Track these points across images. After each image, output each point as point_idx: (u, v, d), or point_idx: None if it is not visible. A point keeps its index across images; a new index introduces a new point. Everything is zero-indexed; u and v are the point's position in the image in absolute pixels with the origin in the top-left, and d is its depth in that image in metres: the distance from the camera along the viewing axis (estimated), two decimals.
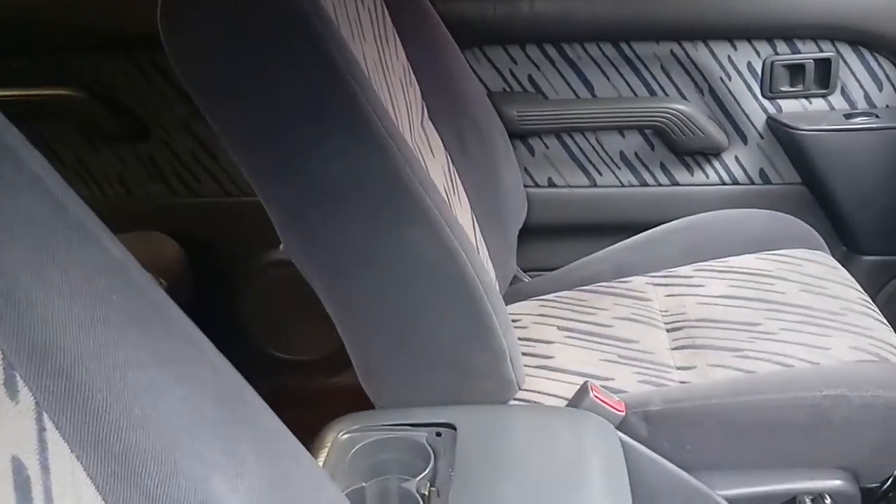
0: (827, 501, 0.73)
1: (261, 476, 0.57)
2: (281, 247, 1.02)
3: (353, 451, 0.89)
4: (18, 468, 0.44)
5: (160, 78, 1.63)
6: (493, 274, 1.28)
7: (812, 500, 0.72)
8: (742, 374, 1.08)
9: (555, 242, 1.65)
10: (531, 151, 1.63)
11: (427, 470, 0.86)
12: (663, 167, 1.62)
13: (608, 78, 1.57)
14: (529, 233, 1.60)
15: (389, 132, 0.91)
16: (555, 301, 1.40)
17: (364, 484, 0.85)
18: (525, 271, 1.58)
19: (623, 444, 0.96)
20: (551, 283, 1.46)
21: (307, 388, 1.82)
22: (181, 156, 1.71)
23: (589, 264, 1.48)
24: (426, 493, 0.84)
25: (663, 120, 1.56)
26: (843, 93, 1.54)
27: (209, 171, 1.71)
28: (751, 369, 1.09)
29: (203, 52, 0.89)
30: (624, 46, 1.55)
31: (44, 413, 0.46)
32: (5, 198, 0.48)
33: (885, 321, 1.21)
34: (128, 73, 1.65)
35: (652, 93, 1.58)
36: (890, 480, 1.11)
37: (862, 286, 1.48)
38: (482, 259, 1.10)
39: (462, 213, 1.34)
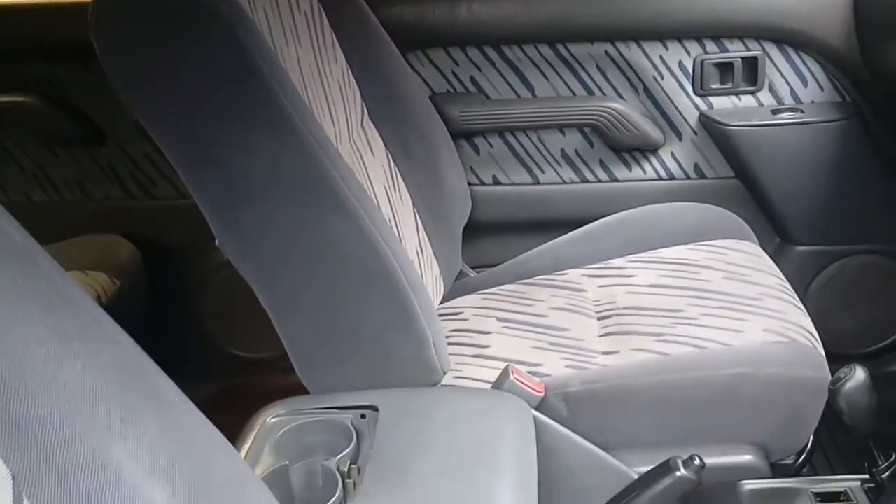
0: (696, 462, 0.77)
1: (161, 445, 0.62)
2: (216, 241, 1.07)
3: (280, 433, 0.94)
4: None
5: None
6: (430, 267, 1.33)
7: (683, 463, 0.77)
8: (658, 356, 1.14)
9: (500, 238, 1.71)
10: (476, 150, 1.69)
11: (348, 449, 0.91)
12: (602, 164, 1.67)
13: (547, 78, 1.63)
14: (476, 229, 1.65)
15: (310, 129, 0.96)
16: (496, 294, 1.45)
17: (287, 463, 0.90)
18: (472, 267, 1.63)
19: (540, 423, 1.01)
20: (495, 278, 1.51)
21: (266, 386, 1.86)
22: (137, 160, 1.76)
23: (530, 258, 1.53)
24: (346, 470, 0.89)
25: (601, 118, 1.62)
26: (771, 89, 1.60)
27: (164, 174, 1.75)
28: (667, 352, 1.14)
29: (129, 55, 0.94)
30: (560, 48, 1.60)
31: None
32: None
33: (800, 306, 1.27)
34: (84, 80, 1.69)
35: (589, 92, 1.63)
36: (802, 456, 1.17)
37: (796, 276, 1.54)
38: (406, 251, 1.15)
39: (404, 210, 1.39)
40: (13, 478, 0.55)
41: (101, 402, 0.59)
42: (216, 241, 1.07)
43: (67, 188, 1.78)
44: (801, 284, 1.63)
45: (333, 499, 0.84)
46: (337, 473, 0.88)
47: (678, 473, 0.77)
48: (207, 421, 0.68)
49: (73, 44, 1.70)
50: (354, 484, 0.88)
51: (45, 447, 0.56)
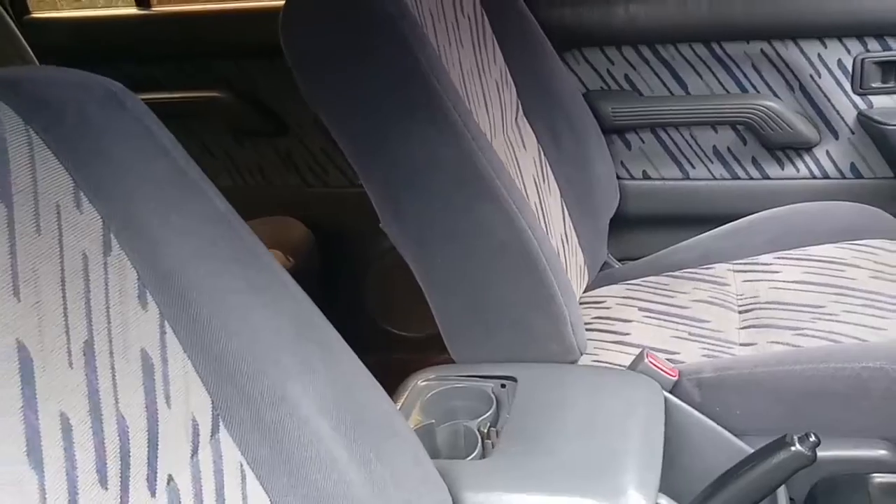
0: (811, 438, 0.81)
1: (328, 386, 0.73)
2: (381, 223, 1.19)
3: (428, 395, 1.05)
4: (145, 357, 0.63)
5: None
6: (574, 256, 1.41)
7: (799, 439, 0.80)
8: (792, 348, 1.16)
9: (648, 232, 1.75)
10: (627, 146, 1.74)
11: (488, 413, 1.01)
12: (754, 161, 1.69)
13: (701, 76, 1.66)
14: (624, 222, 1.71)
15: (466, 124, 1.06)
16: (640, 285, 1.51)
17: (433, 421, 1.00)
18: (618, 259, 1.69)
19: (672, 404, 1.07)
20: (639, 269, 1.57)
21: (415, 362, 2.00)
22: (313, 150, 1.93)
23: (677, 251, 1.57)
24: (486, 431, 0.99)
25: (754, 116, 1.64)
26: None
27: (337, 165, 1.91)
28: (803, 345, 1.17)
29: (314, 57, 1.07)
30: (715, 46, 1.63)
31: (165, 321, 0.65)
32: (141, 164, 0.66)
33: None
34: (269, 78, 1.88)
35: (743, 90, 1.65)
36: None
37: None
38: (549, 237, 1.23)
39: (552, 200, 1.47)
40: (212, 403, 0.68)
41: (282, 345, 0.72)
42: (380, 224, 1.20)
43: (251, 175, 1.98)
44: None
45: (474, 454, 0.94)
46: (477, 433, 0.98)
47: (793, 448, 0.81)
48: (367, 371, 0.80)
49: (261, 45, 1.89)
50: (493, 444, 0.97)
51: (238, 380, 0.69)
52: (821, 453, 1.06)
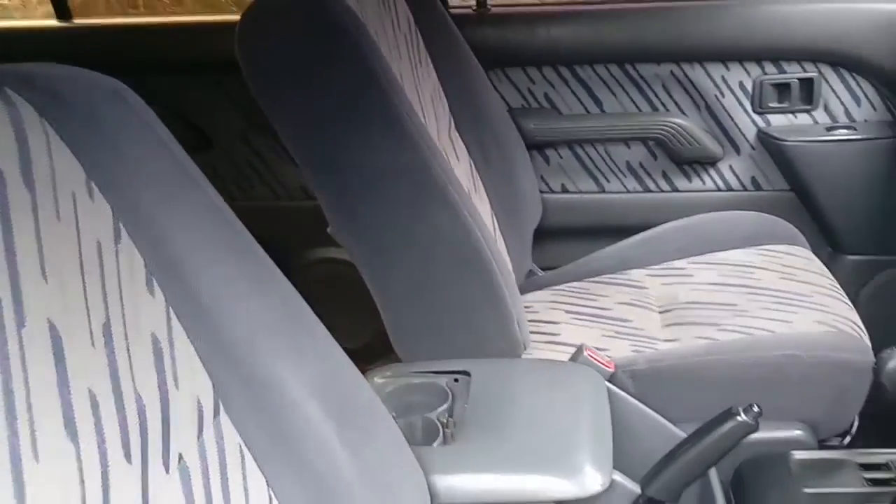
0: (755, 409, 0.90)
1: (317, 369, 0.77)
2: (329, 228, 1.23)
3: (386, 391, 1.09)
4: (155, 341, 0.65)
5: (223, 97, 1.87)
6: (508, 261, 1.48)
7: (743, 410, 0.89)
8: (714, 341, 1.27)
9: (567, 242, 1.85)
10: (546, 161, 1.84)
11: (446, 405, 1.06)
12: (664, 175, 1.81)
13: (615, 95, 1.78)
14: (544, 234, 1.79)
15: (420, 133, 1.12)
16: (564, 290, 1.59)
17: (393, 414, 1.04)
18: (541, 268, 1.78)
19: (612, 393, 1.15)
20: (562, 276, 1.65)
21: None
22: (238, 164, 1.94)
23: (596, 259, 1.67)
24: (444, 421, 1.04)
25: (664, 132, 1.76)
26: (826, 109, 1.73)
27: (263, 179, 1.93)
28: (723, 339, 1.27)
29: (272, 71, 1.11)
30: (629, 68, 1.75)
31: (170, 307, 0.67)
32: (146, 157, 0.69)
33: (848, 302, 1.39)
34: (192, 91, 1.88)
35: (654, 108, 1.78)
36: (848, 437, 1.28)
37: (847, 284, 1.65)
38: (495, 241, 1.30)
39: (483, 211, 1.54)
40: (213, 387, 0.71)
41: (275, 332, 0.75)
42: (329, 230, 1.23)
43: None
44: (851, 292, 1.74)
45: (437, 441, 0.99)
46: (438, 423, 1.03)
47: (739, 418, 0.90)
48: (348, 359, 0.84)
49: (184, 60, 1.90)
50: (452, 434, 1.02)
51: (235, 364, 0.72)
52: None
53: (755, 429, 0.89)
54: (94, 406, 0.57)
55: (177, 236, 0.69)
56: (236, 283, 0.73)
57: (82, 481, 0.54)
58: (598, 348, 1.34)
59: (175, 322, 0.68)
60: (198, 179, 0.74)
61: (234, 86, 1.65)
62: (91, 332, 0.59)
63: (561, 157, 1.83)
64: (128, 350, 0.62)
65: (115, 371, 0.60)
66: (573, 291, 1.58)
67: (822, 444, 1.24)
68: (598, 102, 1.79)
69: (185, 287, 0.69)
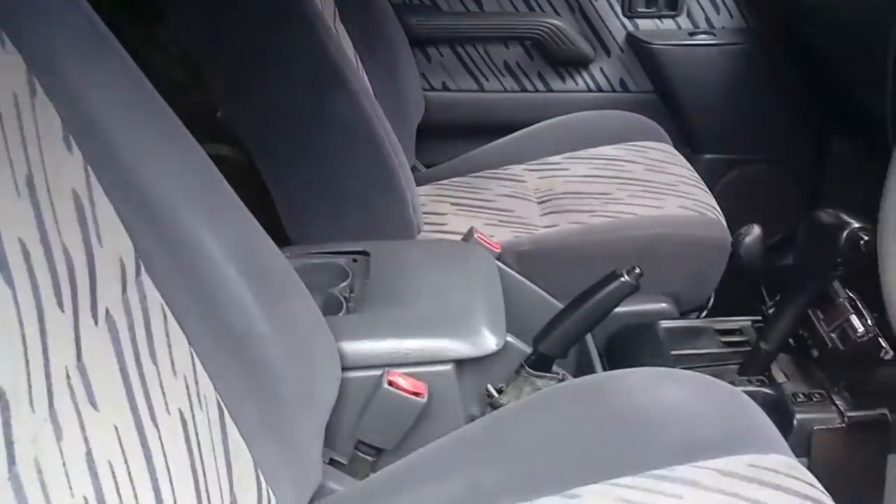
0: (636, 271, 0.99)
1: (234, 233, 0.80)
2: (218, 113, 1.23)
3: None
4: (76, 198, 0.66)
5: None
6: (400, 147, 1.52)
7: (626, 272, 0.98)
8: (591, 225, 1.36)
9: (449, 140, 1.90)
10: (427, 59, 1.87)
11: (347, 281, 1.10)
12: (540, 76, 1.88)
13: None
14: (427, 131, 1.84)
15: (316, 14, 1.13)
16: (448, 185, 1.65)
17: None
18: (425, 165, 1.82)
19: (501, 271, 1.22)
20: (445, 172, 1.71)
21: None
22: None
23: (477, 156, 1.73)
24: (346, 297, 1.08)
25: (541, 32, 1.83)
26: (689, 15, 1.84)
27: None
28: (598, 222, 1.37)
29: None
30: None
31: (88, 165, 0.68)
32: (57, 10, 0.68)
33: (708, 191, 1.51)
34: None
35: (531, 9, 1.83)
36: (705, 311, 1.42)
37: (703, 180, 1.79)
38: (389, 129, 1.33)
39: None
40: (134, 247, 0.72)
41: (194, 196, 0.77)
42: (218, 114, 1.23)
43: None
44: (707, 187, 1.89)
45: (341, 312, 1.03)
46: (341, 298, 1.07)
47: (622, 279, 0.98)
48: (261, 228, 0.86)
49: None
50: (355, 307, 1.07)
51: (155, 224, 0.74)
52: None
53: (637, 288, 0.98)
54: (26, 255, 0.58)
55: (92, 94, 0.69)
56: (155, 145, 0.74)
57: (21, 323, 0.56)
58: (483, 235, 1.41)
59: (94, 180, 0.68)
60: (115, 44, 0.74)
61: None
62: (16, 183, 0.59)
63: (441, 56, 1.87)
64: (52, 204, 0.62)
65: (42, 223, 0.60)
66: (457, 185, 1.64)
67: (682, 315, 1.36)
68: (477, 2, 1.83)
69: (103, 146, 0.69)
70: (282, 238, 1.28)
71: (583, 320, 0.98)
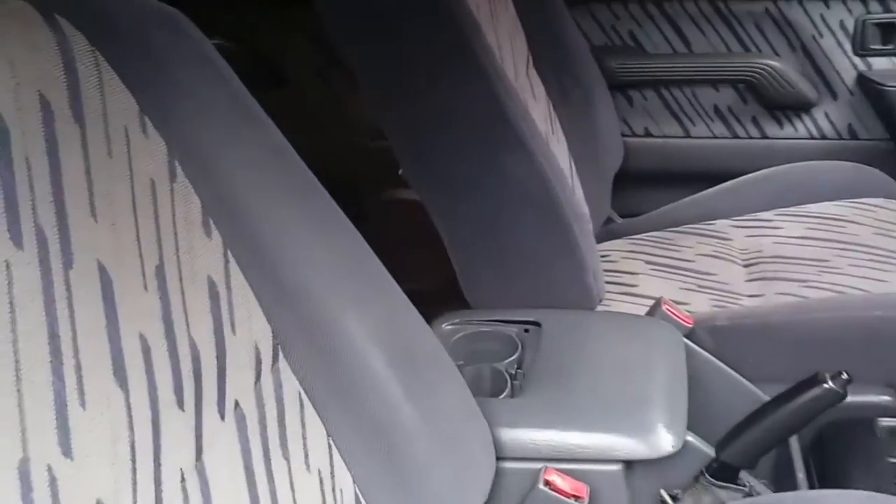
0: (843, 376, 0.84)
1: (381, 316, 0.75)
2: (400, 171, 1.20)
3: (454, 339, 1.06)
4: (212, 284, 0.63)
5: (299, 33, 1.83)
6: (584, 207, 1.43)
7: (831, 376, 0.83)
8: (801, 298, 1.20)
9: (648, 189, 1.78)
10: (629, 102, 1.76)
11: (515, 355, 1.03)
12: (754, 120, 1.72)
13: (704, 34, 1.68)
14: (625, 179, 1.73)
15: (496, 71, 1.07)
16: (644, 240, 1.53)
17: (462, 362, 1.02)
18: (620, 215, 1.72)
19: (689, 349, 1.10)
20: (642, 225, 1.59)
21: (430, 315, 2.01)
22: (313, 102, 1.91)
23: (678, 208, 1.60)
24: (513, 372, 1.01)
25: (756, 75, 1.66)
26: None
27: (338, 118, 1.91)
28: (810, 296, 1.20)
29: (344, 6, 1.07)
30: (720, 4, 1.66)
31: (228, 250, 0.65)
32: (203, 91, 0.66)
33: None
34: (269, 29, 1.86)
35: (746, 49, 1.68)
36: None
37: None
38: (571, 188, 1.24)
39: (560, 154, 1.49)
40: (272, 332, 0.69)
41: (338, 276, 0.73)
42: (400, 171, 1.20)
43: None
44: None
45: (504, 393, 0.96)
46: (506, 374, 1.00)
47: (826, 386, 0.84)
48: (413, 307, 0.81)
49: None
50: (520, 385, 0.99)
51: (296, 309, 0.70)
52: None
53: (843, 398, 0.84)
54: (146, 351, 0.55)
55: (236, 175, 0.66)
56: (298, 226, 0.71)
57: (131, 428, 0.53)
58: (677, 302, 1.29)
59: (233, 265, 0.66)
60: (259, 117, 0.71)
61: (309, 20, 1.62)
62: (144, 275, 0.56)
63: (645, 99, 1.76)
64: (182, 293, 0.59)
65: (168, 315, 0.58)
66: (653, 241, 1.52)
67: None
68: (685, 41, 1.70)
69: (244, 229, 0.66)
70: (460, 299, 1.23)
71: (774, 431, 0.84)
